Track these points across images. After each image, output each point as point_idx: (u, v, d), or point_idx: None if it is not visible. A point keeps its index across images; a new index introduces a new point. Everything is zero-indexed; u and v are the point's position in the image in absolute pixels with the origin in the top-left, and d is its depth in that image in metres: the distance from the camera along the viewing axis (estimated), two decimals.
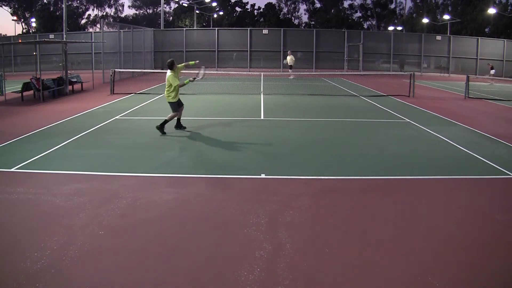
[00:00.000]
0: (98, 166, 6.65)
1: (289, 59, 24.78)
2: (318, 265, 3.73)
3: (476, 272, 3.67)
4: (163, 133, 8.91)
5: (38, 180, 5.98)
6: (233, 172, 6.42)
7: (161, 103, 13.99)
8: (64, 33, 21.01)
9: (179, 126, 9.45)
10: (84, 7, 65.44)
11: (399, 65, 32.79)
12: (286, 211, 4.89)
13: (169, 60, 9.21)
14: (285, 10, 68.70)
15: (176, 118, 9.36)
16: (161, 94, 16.47)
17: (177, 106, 9.19)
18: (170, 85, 8.95)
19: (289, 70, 24.58)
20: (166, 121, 9.06)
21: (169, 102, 9.19)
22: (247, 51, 31.92)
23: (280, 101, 14.47)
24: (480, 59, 32.31)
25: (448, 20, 42.37)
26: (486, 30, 47.83)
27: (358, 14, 66.00)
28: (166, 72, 9.27)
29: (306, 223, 4.62)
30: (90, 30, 59.83)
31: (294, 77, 24.44)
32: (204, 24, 60.73)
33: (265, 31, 34.58)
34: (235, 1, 65.79)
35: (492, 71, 26.33)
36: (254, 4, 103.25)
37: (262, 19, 63.59)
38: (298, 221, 4.65)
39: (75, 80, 17.92)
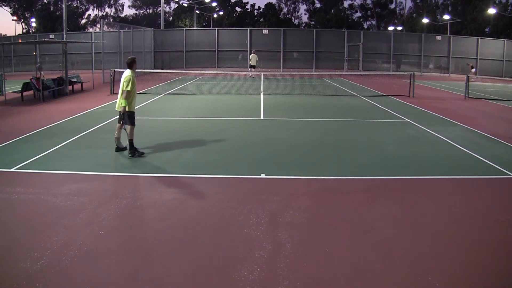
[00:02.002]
0: (98, 166, 6.65)
1: (252, 58, 24.89)
2: (318, 265, 3.73)
3: (476, 272, 3.67)
4: (140, 153, 7.26)
5: (38, 180, 5.98)
6: (233, 172, 6.42)
7: (161, 103, 14.01)
8: (64, 33, 21.02)
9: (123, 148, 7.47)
10: (84, 7, 65.51)
11: (396, 65, 32.98)
12: (286, 211, 4.89)
13: (132, 57, 7.54)
14: (285, 10, 68.80)
15: (118, 137, 7.45)
16: (161, 94, 16.48)
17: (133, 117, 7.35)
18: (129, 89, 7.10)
19: (252, 69, 24.56)
20: (131, 141, 7.23)
21: (127, 112, 7.18)
22: (247, 51, 31.93)
23: (280, 101, 14.47)
24: (480, 59, 32.31)
25: (448, 20, 42.37)
26: (486, 30, 47.83)
27: (358, 14, 66.13)
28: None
29: (306, 223, 4.62)
30: (90, 30, 59.84)
31: (253, 76, 23.91)
32: (204, 24, 60.73)
33: (265, 31, 34.60)
34: (235, 1, 65.81)
35: (473, 70, 26.99)
36: (254, 4, 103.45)
37: (262, 19, 63.59)
38: (298, 221, 4.65)
39: (75, 80, 17.93)
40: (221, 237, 4.28)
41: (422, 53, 33.05)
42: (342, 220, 4.76)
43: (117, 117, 7.49)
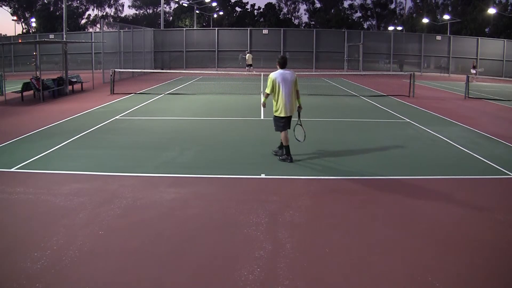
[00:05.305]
0: (98, 166, 6.65)
1: (248, 57, 27.35)
2: (318, 265, 3.73)
3: (476, 272, 3.67)
4: (289, 159, 6.99)
5: (38, 180, 5.98)
6: (233, 172, 6.42)
7: (161, 103, 14.00)
8: (64, 33, 21.01)
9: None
10: (84, 7, 65.54)
11: (399, 66, 32.93)
12: (286, 211, 4.89)
13: (283, 55, 7.00)
14: (285, 10, 68.86)
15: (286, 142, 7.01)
16: (161, 94, 16.47)
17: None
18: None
19: (250, 67, 26.88)
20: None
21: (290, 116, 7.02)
22: (247, 51, 31.93)
23: None
24: (480, 59, 32.31)
25: (448, 20, 42.37)
26: (486, 30, 47.82)
27: (358, 14, 66.18)
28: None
29: (306, 223, 4.62)
30: (90, 30, 59.85)
31: (250, 73, 25.47)
32: (204, 24, 60.73)
33: (265, 31, 34.64)
34: (235, 1, 65.83)
35: (472, 71, 27.30)
36: (254, 4, 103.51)
37: (262, 19, 63.63)
38: (298, 221, 4.65)
39: (75, 80, 17.93)
40: (221, 237, 4.28)
41: (422, 53, 33.07)
42: (342, 220, 4.76)
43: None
